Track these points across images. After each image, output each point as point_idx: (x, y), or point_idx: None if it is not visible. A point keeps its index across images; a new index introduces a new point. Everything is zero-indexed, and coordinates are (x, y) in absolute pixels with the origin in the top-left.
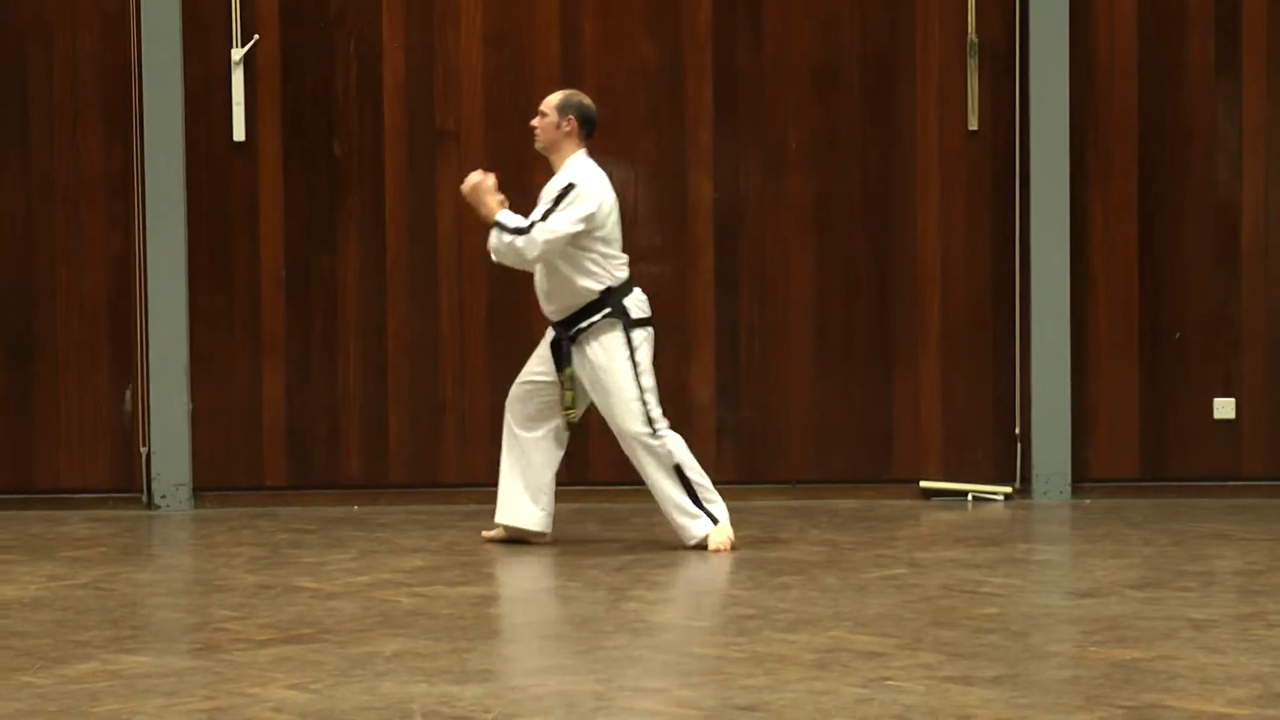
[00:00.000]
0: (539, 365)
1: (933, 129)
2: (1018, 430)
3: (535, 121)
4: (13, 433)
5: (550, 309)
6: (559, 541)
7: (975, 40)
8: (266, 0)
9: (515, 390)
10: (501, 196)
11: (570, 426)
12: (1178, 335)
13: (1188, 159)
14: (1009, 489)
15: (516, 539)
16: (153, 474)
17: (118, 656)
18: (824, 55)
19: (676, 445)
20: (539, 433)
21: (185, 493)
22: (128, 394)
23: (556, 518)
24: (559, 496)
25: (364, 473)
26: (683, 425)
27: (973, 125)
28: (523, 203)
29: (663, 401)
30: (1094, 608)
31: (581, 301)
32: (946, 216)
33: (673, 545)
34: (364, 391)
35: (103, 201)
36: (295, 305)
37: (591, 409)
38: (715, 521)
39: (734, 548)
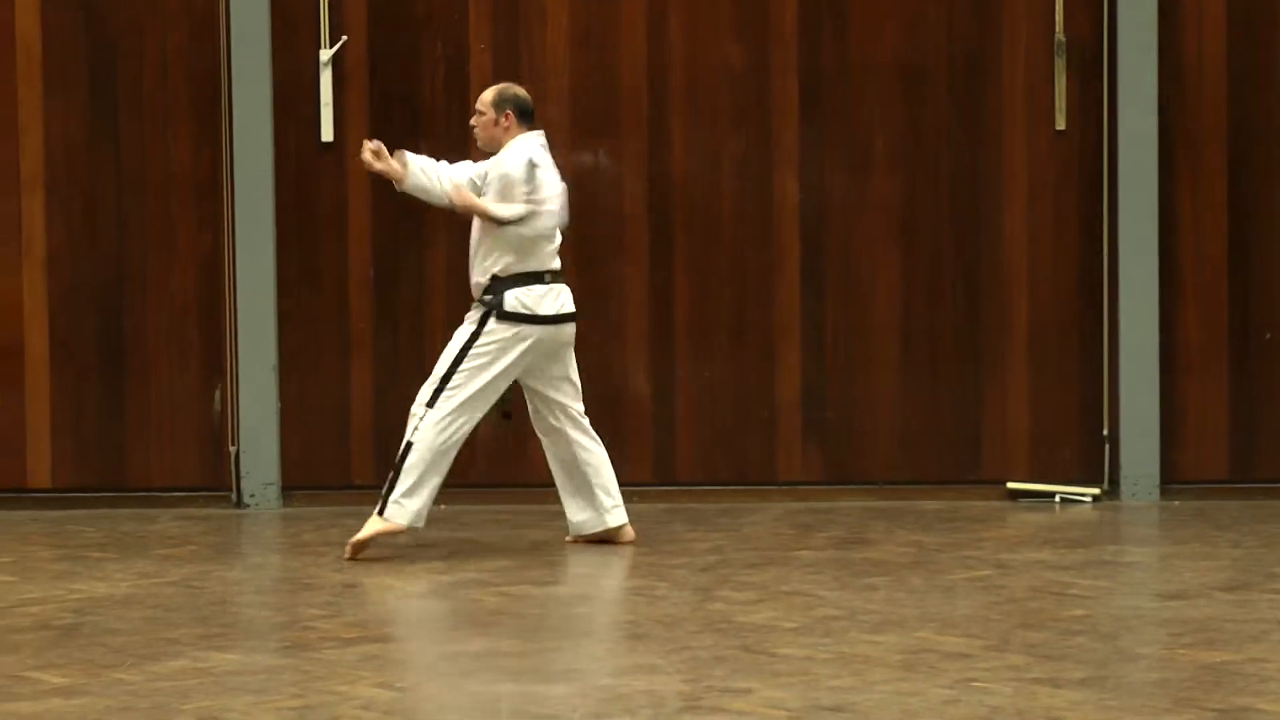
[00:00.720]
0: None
1: (1020, 129)
2: (1106, 431)
3: (474, 120)
4: (105, 431)
5: (472, 282)
6: (645, 542)
7: (1063, 40)
8: (355, 1)
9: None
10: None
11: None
12: (1268, 336)
13: (1277, 159)
14: (1097, 490)
15: (601, 541)
16: (242, 473)
17: (207, 654)
18: (910, 55)
19: (426, 436)
20: (549, 438)
21: (274, 491)
22: (217, 393)
23: (643, 517)
24: (646, 496)
25: (449, 471)
26: (768, 424)
27: (1060, 125)
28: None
29: (749, 400)
30: (1182, 610)
31: (481, 282)
32: (1033, 217)
33: (760, 546)
34: None
35: (192, 201)
36: (383, 304)
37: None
38: (378, 514)
39: (353, 556)
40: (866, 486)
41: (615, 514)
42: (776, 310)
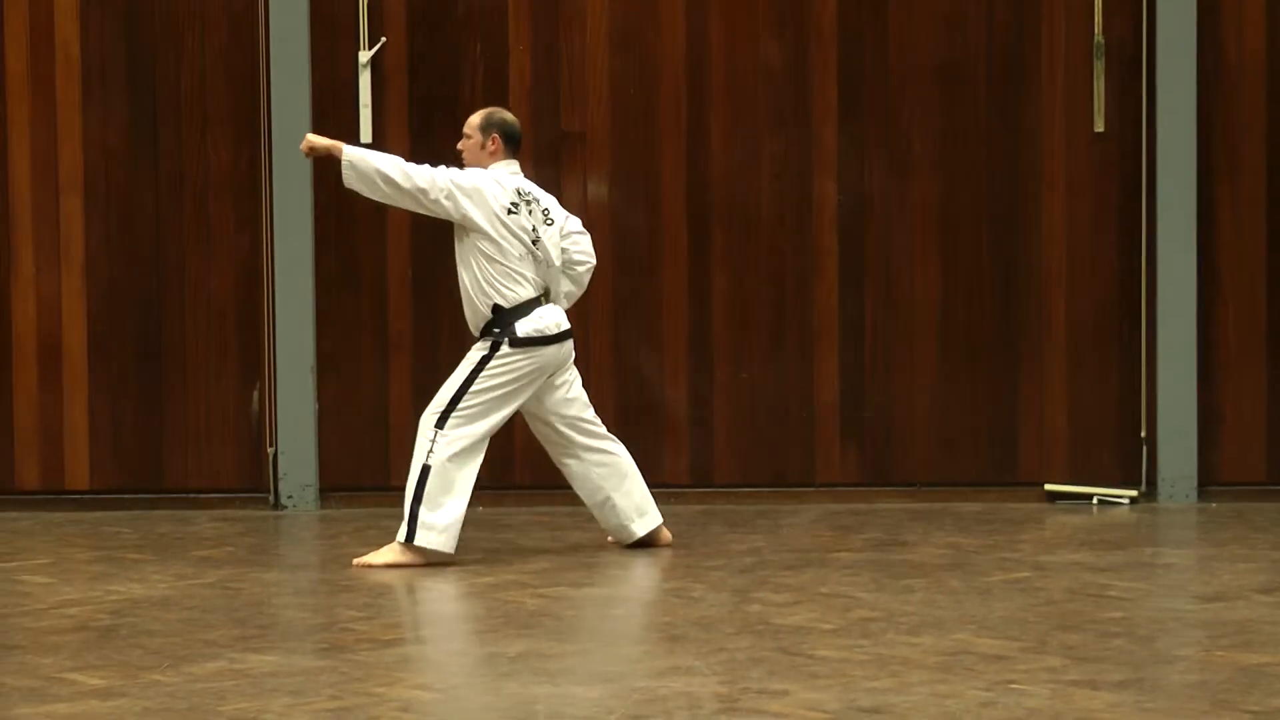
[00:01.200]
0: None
1: (1059, 130)
2: (1144, 433)
3: (460, 144)
4: (142, 432)
5: (469, 323)
6: (682, 544)
7: (1102, 41)
8: (394, 3)
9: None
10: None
11: None
12: None
13: None
14: (1135, 492)
15: (639, 544)
16: (280, 474)
17: (245, 655)
18: (949, 55)
19: (442, 455)
20: (567, 465)
21: (312, 493)
22: (255, 394)
23: (680, 519)
24: (683, 498)
25: (488, 473)
26: (806, 426)
27: (1099, 127)
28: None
29: (788, 401)
30: (1221, 612)
31: (481, 319)
32: (1072, 218)
33: (798, 547)
34: None
35: (231, 202)
36: (421, 305)
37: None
38: (404, 540)
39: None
40: (904, 488)
41: (641, 524)
42: (815, 311)
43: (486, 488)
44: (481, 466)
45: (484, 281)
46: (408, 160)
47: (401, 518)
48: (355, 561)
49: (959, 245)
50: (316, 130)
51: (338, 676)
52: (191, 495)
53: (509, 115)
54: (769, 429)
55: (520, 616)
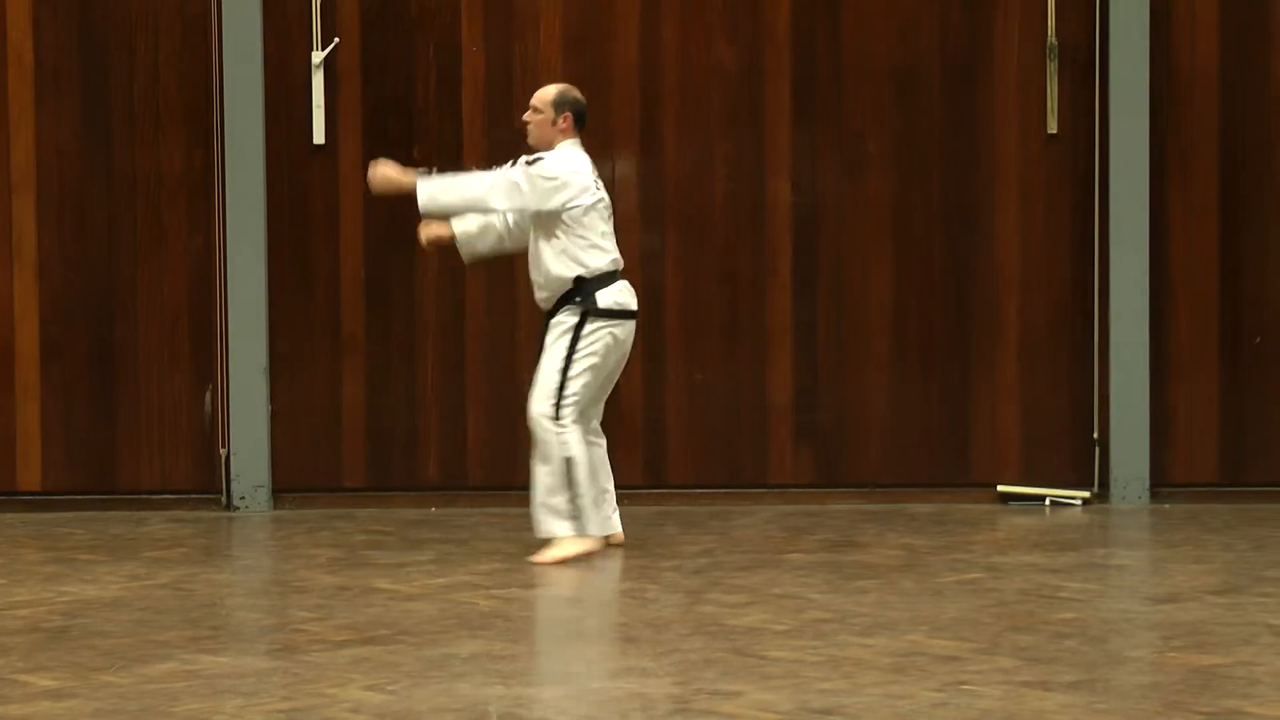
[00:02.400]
0: None
1: (1012, 132)
2: (1096, 434)
3: (528, 116)
4: (95, 434)
5: (540, 297)
6: (636, 544)
7: (1055, 43)
8: (347, 3)
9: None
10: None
11: None
12: (1258, 340)
13: (1270, 164)
14: (1087, 493)
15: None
16: (232, 475)
17: (197, 656)
18: (903, 58)
19: (574, 442)
20: (588, 444)
21: (264, 494)
22: (208, 395)
23: (635, 520)
24: (637, 499)
25: (442, 474)
26: (759, 427)
27: (1052, 129)
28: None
29: (740, 403)
30: (1173, 613)
31: (560, 288)
32: (1025, 220)
33: (751, 548)
34: (443, 393)
35: (183, 203)
36: (374, 307)
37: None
38: (576, 533)
39: (555, 562)
40: (857, 489)
41: (616, 519)
42: (768, 313)
43: (439, 488)
44: (434, 465)
45: (568, 251)
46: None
47: (560, 513)
48: (532, 560)
49: (912, 247)
50: (268, 132)
51: (290, 677)
52: (144, 496)
53: (580, 94)
54: (722, 430)
55: (473, 617)
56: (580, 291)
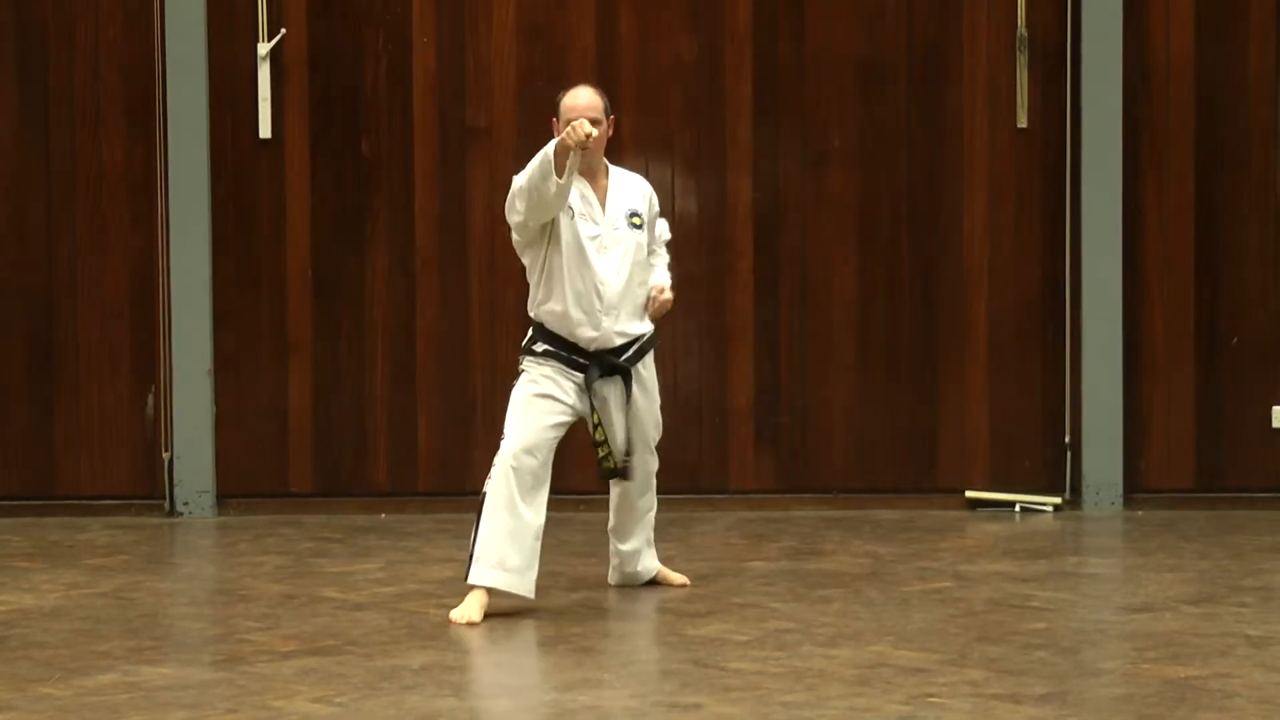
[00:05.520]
0: (560, 413)
1: (981, 126)
2: (1068, 439)
3: (593, 129)
4: (33, 437)
5: (616, 328)
6: (592, 553)
7: (1025, 34)
8: None
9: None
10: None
11: (620, 472)
12: (1235, 341)
13: (1246, 160)
14: (1058, 499)
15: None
16: (175, 480)
17: (139, 668)
18: (868, 49)
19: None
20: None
21: (209, 500)
22: (150, 398)
23: (592, 527)
24: (595, 505)
25: (392, 480)
26: (719, 432)
27: (1022, 122)
28: None
29: (701, 406)
30: (1147, 623)
31: (644, 329)
32: (994, 216)
33: (711, 556)
34: (392, 396)
35: (125, 200)
36: (322, 307)
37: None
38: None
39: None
40: (821, 495)
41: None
42: (729, 313)
43: (389, 494)
44: (384, 470)
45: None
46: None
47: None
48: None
49: (878, 245)
50: (212, 125)
51: (234, 689)
52: (84, 502)
53: None
54: (682, 434)
55: (424, 628)
56: (647, 329)
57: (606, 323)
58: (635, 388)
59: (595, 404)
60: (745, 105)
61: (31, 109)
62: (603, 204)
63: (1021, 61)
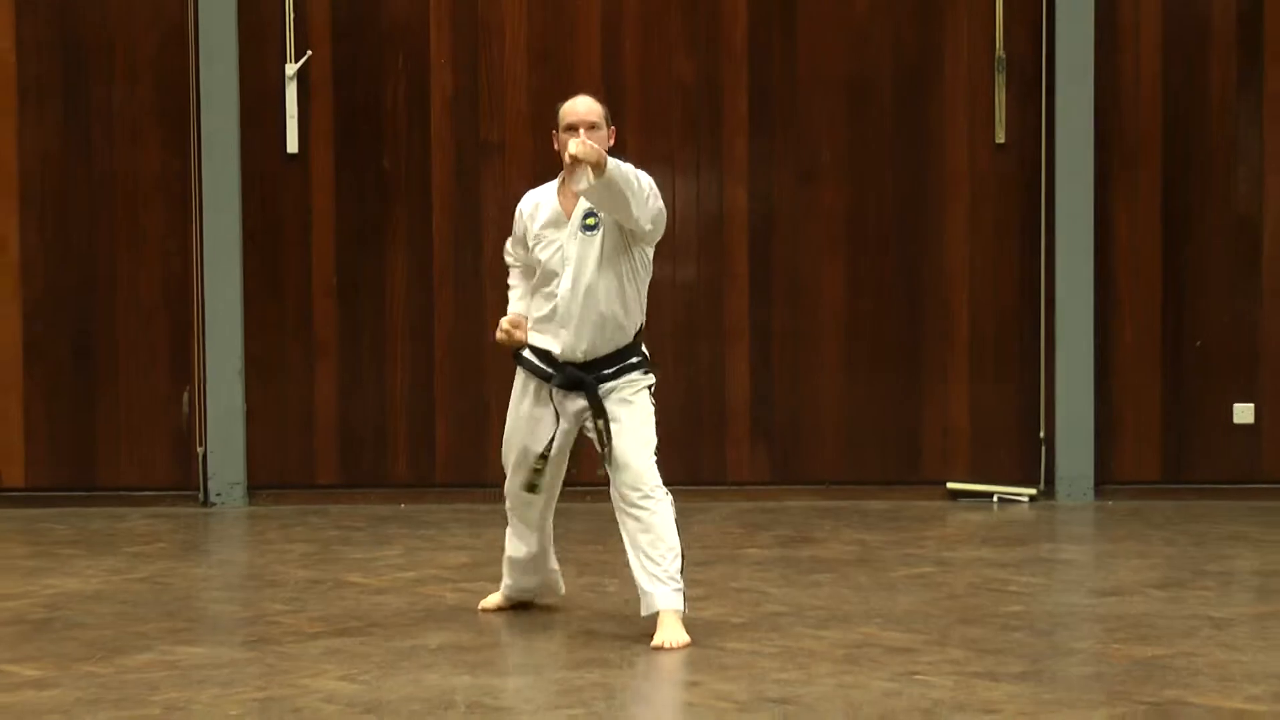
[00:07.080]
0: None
1: (961, 142)
2: (1043, 434)
3: (589, 135)
4: (76, 432)
5: (580, 348)
6: (597, 540)
7: (1003, 56)
8: (319, 16)
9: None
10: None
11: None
12: (1199, 343)
13: (1210, 173)
14: (1034, 491)
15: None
16: (209, 473)
17: (175, 648)
18: (856, 70)
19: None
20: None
21: (240, 491)
22: (185, 396)
23: (597, 517)
24: (599, 496)
25: (411, 472)
26: (717, 427)
27: (1000, 139)
28: None
29: (700, 403)
30: (1116, 606)
31: (622, 343)
32: (974, 227)
33: (709, 544)
34: (412, 394)
35: (161, 209)
36: (345, 311)
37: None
38: (678, 610)
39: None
40: (813, 487)
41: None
42: (726, 316)
43: (408, 485)
44: (404, 463)
45: (641, 300)
46: None
47: (671, 584)
48: (667, 645)
49: (865, 252)
50: (243, 140)
51: (264, 668)
52: (124, 493)
53: None
54: (682, 429)
55: (441, 610)
56: (639, 346)
57: (564, 334)
58: (608, 409)
59: (558, 410)
60: (741, 122)
61: (75, 123)
62: (569, 214)
63: (1000, 81)
